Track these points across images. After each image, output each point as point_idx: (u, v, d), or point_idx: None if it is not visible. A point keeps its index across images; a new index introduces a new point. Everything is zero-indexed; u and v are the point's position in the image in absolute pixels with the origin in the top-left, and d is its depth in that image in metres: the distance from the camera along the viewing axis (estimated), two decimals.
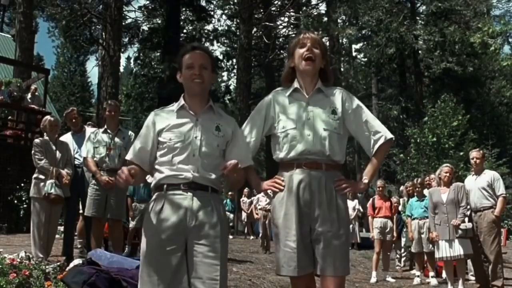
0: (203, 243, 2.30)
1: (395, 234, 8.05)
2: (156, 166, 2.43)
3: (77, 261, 4.50)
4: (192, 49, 2.48)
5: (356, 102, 2.57)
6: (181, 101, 2.48)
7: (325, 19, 24.68)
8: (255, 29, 22.95)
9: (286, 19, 26.66)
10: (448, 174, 6.12)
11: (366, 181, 2.54)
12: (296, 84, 2.57)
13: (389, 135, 2.55)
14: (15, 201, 10.17)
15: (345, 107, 2.54)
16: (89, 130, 6.15)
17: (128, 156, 2.52)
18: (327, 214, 2.42)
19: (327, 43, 21.88)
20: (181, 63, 2.47)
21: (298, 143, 2.48)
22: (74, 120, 6.22)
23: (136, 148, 2.48)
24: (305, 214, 2.44)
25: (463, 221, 5.91)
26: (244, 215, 15.57)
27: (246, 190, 15.51)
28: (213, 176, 2.40)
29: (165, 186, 2.37)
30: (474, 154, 6.36)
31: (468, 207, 6.09)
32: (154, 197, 2.41)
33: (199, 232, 2.31)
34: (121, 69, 28.15)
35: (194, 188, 2.35)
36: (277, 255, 2.51)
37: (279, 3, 25.17)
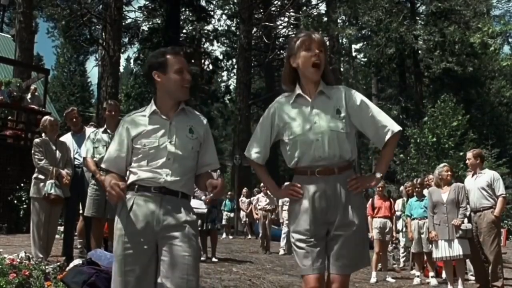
0: (171, 243, 2.32)
1: (394, 234, 8.03)
2: (131, 169, 2.45)
3: (77, 261, 4.50)
4: (178, 52, 2.46)
5: (360, 97, 2.56)
6: (153, 106, 2.48)
7: (325, 19, 24.72)
8: (255, 29, 22.98)
9: (286, 19, 26.72)
10: (449, 173, 6.16)
11: (378, 175, 2.54)
12: (298, 90, 2.56)
13: (396, 128, 2.53)
14: (15, 201, 10.17)
15: (349, 104, 2.53)
16: (89, 130, 6.14)
17: (104, 165, 2.51)
18: (343, 218, 2.45)
19: (327, 43, 21.88)
20: (165, 64, 2.43)
21: (307, 149, 2.48)
22: (74, 120, 6.20)
23: (112, 156, 2.48)
24: (321, 219, 2.47)
25: (463, 222, 5.92)
26: (243, 214, 15.57)
27: (245, 190, 15.53)
28: (186, 177, 2.44)
29: (136, 187, 2.40)
30: (467, 154, 6.47)
31: (468, 207, 6.09)
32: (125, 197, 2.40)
33: (166, 234, 2.34)
34: (121, 69, 28.20)
35: (164, 192, 2.37)
36: (294, 258, 2.58)
37: (279, 3, 25.21)
